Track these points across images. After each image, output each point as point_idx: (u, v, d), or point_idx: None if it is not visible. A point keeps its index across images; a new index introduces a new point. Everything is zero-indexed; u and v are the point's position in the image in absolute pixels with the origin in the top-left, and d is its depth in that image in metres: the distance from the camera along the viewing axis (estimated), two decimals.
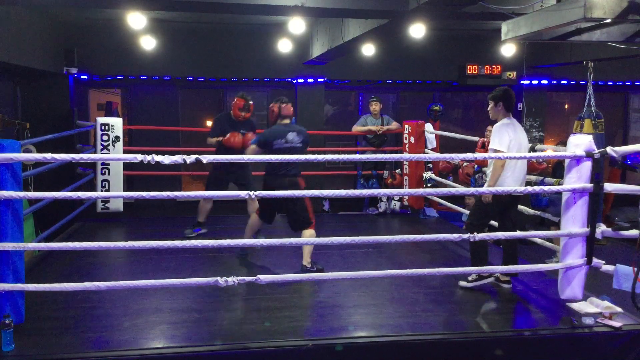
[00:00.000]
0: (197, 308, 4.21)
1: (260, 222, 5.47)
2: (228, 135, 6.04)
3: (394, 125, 8.46)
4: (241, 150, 6.02)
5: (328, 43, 7.99)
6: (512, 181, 4.68)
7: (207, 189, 6.46)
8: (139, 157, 3.61)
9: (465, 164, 6.53)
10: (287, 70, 9.71)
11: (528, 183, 5.55)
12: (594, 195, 4.03)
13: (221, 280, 3.71)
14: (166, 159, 3.65)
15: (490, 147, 4.77)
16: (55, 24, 8.70)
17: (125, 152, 7.69)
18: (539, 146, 5.53)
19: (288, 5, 5.59)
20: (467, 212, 7.22)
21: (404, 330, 3.90)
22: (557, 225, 5.02)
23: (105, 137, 7.35)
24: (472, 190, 5.03)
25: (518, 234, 5.62)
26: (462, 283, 4.80)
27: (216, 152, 6.09)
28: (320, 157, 3.99)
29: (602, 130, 6.57)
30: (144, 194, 3.73)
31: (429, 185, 7.65)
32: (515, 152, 4.64)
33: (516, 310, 4.35)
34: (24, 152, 5.06)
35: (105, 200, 7.42)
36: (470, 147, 6.57)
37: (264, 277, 3.80)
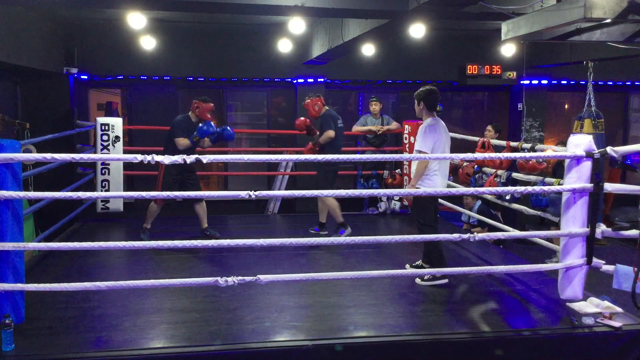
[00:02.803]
0: (197, 308, 4.21)
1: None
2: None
3: (394, 125, 8.47)
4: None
5: (328, 43, 7.99)
6: (441, 179, 4.89)
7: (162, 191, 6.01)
8: (139, 157, 3.61)
9: (465, 164, 6.53)
10: (287, 70, 9.71)
11: (528, 183, 5.56)
12: (594, 195, 4.03)
13: (221, 280, 3.71)
14: (166, 159, 3.65)
15: (415, 148, 4.96)
16: (55, 24, 8.70)
17: (125, 152, 7.70)
18: (539, 146, 5.53)
19: (288, 5, 5.59)
20: (467, 212, 7.25)
21: (404, 330, 3.90)
22: (557, 225, 5.02)
23: (105, 137, 7.36)
24: (472, 190, 5.03)
25: (518, 233, 5.64)
26: (417, 280, 4.88)
27: (167, 152, 5.91)
28: (320, 157, 4.00)
29: (602, 130, 6.58)
30: (144, 194, 3.73)
31: None
32: (440, 152, 4.83)
33: (516, 310, 4.35)
34: (24, 152, 5.06)
35: (105, 200, 7.42)
36: (470, 147, 6.58)
37: (264, 277, 3.80)
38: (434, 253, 4.87)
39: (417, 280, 4.86)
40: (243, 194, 3.76)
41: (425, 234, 4.81)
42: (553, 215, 5.54)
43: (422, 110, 4.98)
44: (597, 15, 4.09)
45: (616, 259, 4.38)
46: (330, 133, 6.29)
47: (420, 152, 4.80)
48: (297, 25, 6.28)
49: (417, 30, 6.46)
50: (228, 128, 6.30)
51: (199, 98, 6.23)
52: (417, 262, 5.13)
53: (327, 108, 6.55)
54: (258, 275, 3.78)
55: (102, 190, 7.32)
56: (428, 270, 4.67)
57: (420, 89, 5.00)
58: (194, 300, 4.34)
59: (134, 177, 8.98)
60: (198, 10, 6.73)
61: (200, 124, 6.08)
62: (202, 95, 6.38)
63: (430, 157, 4.75)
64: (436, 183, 4.86)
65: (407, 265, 5.20)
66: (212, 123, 6.15)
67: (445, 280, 4.81)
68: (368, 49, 8.38)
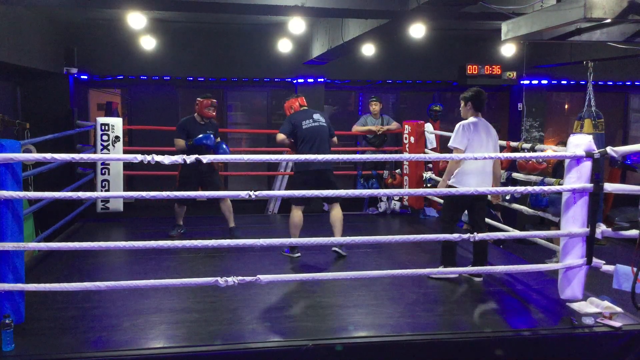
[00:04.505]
0: (197, 308, 4.21)
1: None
2: None
3: (394, 125, 8.47)
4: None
5: (328, 43, 7.99)
6: (474, 179, 4.88)
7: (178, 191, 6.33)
8: (139, 157, 3.61)
9: None
10: (287, 70, 9.71)
11: (528, 183, 5.56)
12: (594, 195, 4.03)
13: (221, 280, 3.71)
14: (166, 159, 3.65)
15: (449, 144, 5.06)
16: (55, 24, 8.70)
17: (125, 152, 7.69)
18: (539, 146, 5.53)
19: (288, 5, 5.59)
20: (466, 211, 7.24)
21: (404, 330, 3.90)
22: (557, 225, 5.02)
23: (105, 137, 7.36)
24: (472, 190, 5.03)
25: (518, 233, 5.64)
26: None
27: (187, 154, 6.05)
28: (320, 157, 4.00)
29: (602, 130, 6.57)
30: (144, 194, 3.73)
31: (429, 185, 7.65)
32: (476, 151, 4.85)
33: (516, 310, 4.35)
34: (24, 152, 5.06)
35: (105, 200, 7.42)
36: None
37: (264, 277, 3.80)
38: (447, 249, 4.98)
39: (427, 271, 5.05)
40: (243, 194, 3.76)
41: (441, 230, 4.96)
42: (553, 215, 5.54)
43: (468, 111, 5.07)
44: (597, 15, 4.09)
45: (616, 259, 4.37)
46: (278, 136, 5.68)
47: (456, 149, 4.91)
48: (297, 25, 6.28)
49: (417, 30, 6.46)
50: (224, 146, 6.31)
51: (201, 95, 6.31)
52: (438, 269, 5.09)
53: (304, 109, 5.81)
54: (258, 275, 3.78)
55: (102, 190, 7.32)
56: (428, 271, 4.68)
57: (468, 90, 5.09)
58: (194, 300, 4.34)
59: (134, 177, 8.98)
60: (198, 10, 6.72)
61: (201, 135, 6.11)
62: (201, 95, 6.39)
63: (431, 157, 4.78)
64: (468, 183, 4.86)
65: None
66: (212, 136, 6.15)
67: (455, 275, 4.90)
68: (368, 49, 8.38)
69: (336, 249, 5.71)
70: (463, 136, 4.89)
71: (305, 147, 5.60)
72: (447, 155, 4.84)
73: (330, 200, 5.75)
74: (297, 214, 5.69)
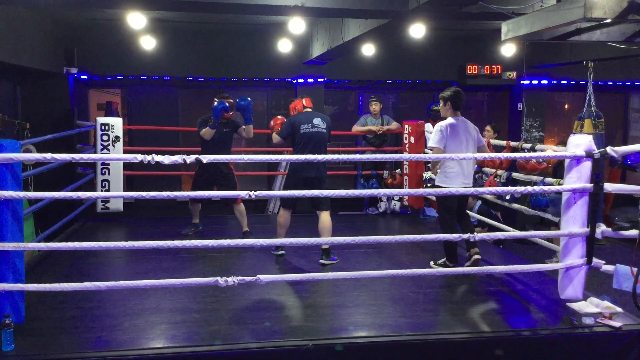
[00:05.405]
0: (197, 308, 4.21)
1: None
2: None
3: (394, 125, 8.47)
4: (228, 150, 6.37)
5: (328, 43, 7.99)
6: (458, 176, 5.10)
7: (193, 190, 6.51)
8: (139, 157, 3.61)
9: None
10: (287, 70, 9.71)
11: (528, 183, 5.56)
12: (594, 195, 4.03)
13: (221, 280, 3.71)
14: (166, 159, 3.64)
15: (428, 145, 5.35)
16: (55, 24, 8.69)
17: (125, 152, 7.70)
18: (539, 146, 5.53)
19: (288, 5, 5.59)
20: (468, 212, 7.24)
21: (404, 330, 3.90)
22: (557, 225, 5.03)
23: (105, 137, 7.36)
24: (472, 190, 5.03)
25: (518, 233, 5.64)
26: (431, 263, 5.39)
27: (201, 151, 6.16)
28: (320, 157, 4.00)
29: (602, 130, 6.56)
30: (144, 194, 3.73)
31: (429, 185, 7.65)
32: (454, 150, 5.05)
33: (516, 310, 4.35)
34: (24, 152, 5.06)
35: (105, 200, 7.42)
36: None
37: (264, 277, 3.80)
38: (448, 246, 5.27)
39: (431, 263, 5.37)
40: (243, 194, 3.76)
41: (441, 229, 5.20)
42: (553, 215, 5.54)
43: (447, 110, 5.26)
44: (597, 15, 4.09)
45: (616, 259, 4.37)
46: (274, 137, 5.73)
47: (432, 148, 5.13)
48: (297, 25, 6.28)
49: (417, 30, 6.46)
50: (248, 99, 6.33)
51: (218, 95, 6.41)
52: (441, 261, 5.36)
53: (307, 111, 5.70)
54: (258, 275, 3.78)
55: (102, 190, 7.32)
56: (428, 271, 4.68)
57: (446, 90, 5.27)
58: (194, 300, 4.34)
59: (134, 177, 8.98)
60: (198, 10, 6.72)
61: (215, 103, 6.18)
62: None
63: (431, 157, 4.81)
64: (452, 182, 5.09)
65: (432, 263, 5.42)
66: (225, 103, 6.22)
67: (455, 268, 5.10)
68: (368, 49, 8.38)
69: (322, 260, 5.48)
70: (441, 138, 5.09)
71: (298, 153, 5.48)
72: (446, 155, 4.85)
73: (319, 207, 5.55)
74: (283, 215, 5.66)
